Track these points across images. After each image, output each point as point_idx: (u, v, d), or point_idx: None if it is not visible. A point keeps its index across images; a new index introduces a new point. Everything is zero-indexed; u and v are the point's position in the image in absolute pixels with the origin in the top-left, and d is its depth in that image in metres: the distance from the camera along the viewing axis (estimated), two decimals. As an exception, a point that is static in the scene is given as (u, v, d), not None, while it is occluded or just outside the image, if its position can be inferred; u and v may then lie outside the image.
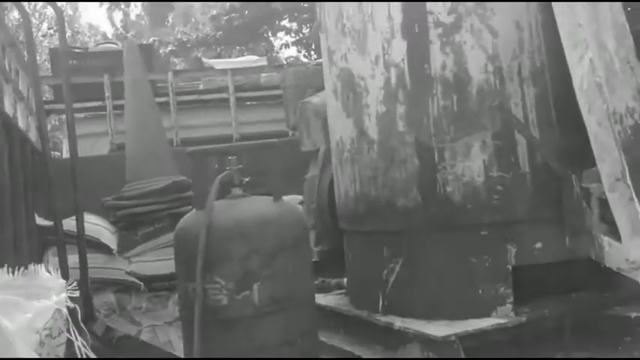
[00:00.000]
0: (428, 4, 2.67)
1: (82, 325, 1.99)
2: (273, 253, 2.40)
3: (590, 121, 2.37)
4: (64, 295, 1.88)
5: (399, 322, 2.59)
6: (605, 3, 2.37)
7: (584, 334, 2.69)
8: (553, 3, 2.48)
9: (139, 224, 4.98)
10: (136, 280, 4.69)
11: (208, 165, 2.92)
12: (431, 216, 2.64)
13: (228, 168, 2.61)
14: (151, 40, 15.66)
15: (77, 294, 1.94)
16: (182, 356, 2.66)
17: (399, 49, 2.73)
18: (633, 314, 2.43)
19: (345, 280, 3.55)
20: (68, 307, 1.86)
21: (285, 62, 10.72)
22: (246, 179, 2.62)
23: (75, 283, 2.00)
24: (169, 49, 18.36)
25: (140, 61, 5.85)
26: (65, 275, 3.51)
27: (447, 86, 2.64)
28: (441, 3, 2.66)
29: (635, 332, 2.70)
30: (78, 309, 1.92)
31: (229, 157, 2.65)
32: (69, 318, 1.86)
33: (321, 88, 4.69)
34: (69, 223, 4.14)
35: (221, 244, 2.38)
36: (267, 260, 2.38)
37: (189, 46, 17.90)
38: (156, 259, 4.80)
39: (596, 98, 2.35)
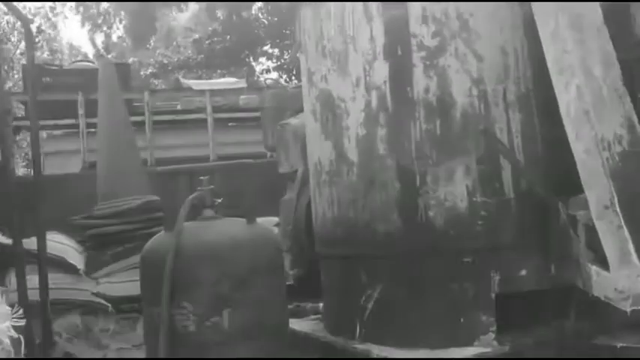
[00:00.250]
0: (412, 26, 2.63)
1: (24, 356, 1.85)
2: (246, 277, 2.31)
3: (578, 148, 2.33)
4: (6, 324, 1.74)
5: (376, 351, 2.50)
6: (592, 28, 2.35)
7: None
8: (539, 28, 2.46)
9: (108, 244, 4.84)
10: (104, 302, 4.51)
11: (180, 185, 2.84)
12: (412, 241, 2.56)
13: (199, 188, 2.53)
14: (131, 60, 15.59)
15: (23, 322, 1.80)
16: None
17: (381, 72, 2.68)
18: (619, 344, 2.37)
19: (321, 305, 3.45)
20: (11, 337, 1.72)
21: (264, 85, 10.72)
22: (219, 200, 2.54)
23: (21, 311, 1.86)
24: (149, 71, 18.29)
25: (116, 79, 5.76)
26: (23, 297, 3.35)
27: (430, 110, 2.58)
28: (425, 26, 2.62)
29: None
30: (22, 339, 1.78)
31: (201, 177, 2.57)
32: (12, 349, 1.72)
33: (300, 110, 4.63)
34: (34, 242, 3.98)
35: (190, 267, 2.28)
36: (238, 285, 2.29)
37: (169, 68, 17.87)
38: (125, 280, 4.64)
39: (583, 125, 2.31)
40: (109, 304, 4.52)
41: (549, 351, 2.52)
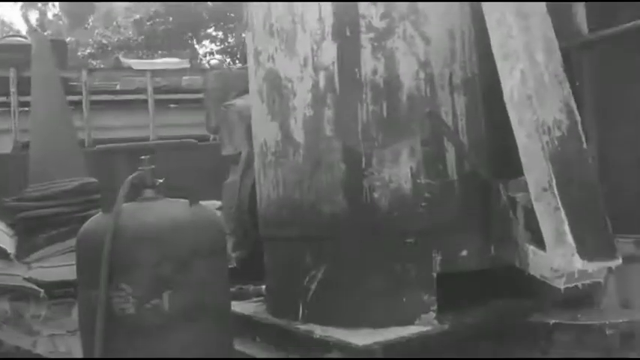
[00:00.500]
0: (361, 7, 2.62)
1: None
2: (187, 259, 2.25)
3: (520, 132, 2.38)
4: None
5: (319, 331, 2.50)
6: (536, 16, 2.41)
7: (504, 340, 2.70)
8: (486, 14, 2.50)
9: (41, 227, 4.66)
10: (35, 287, 4.34)
11: (119, 164, 2.74)
12: (356, 222, 2.57)
13: (140, 168, 2.45)
14: (68, 40, 15.00)
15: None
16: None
17: (329, 52, 2.66)
18: (552, 321, 2.46)
19: (264, 287, 3.43)
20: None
21: (208, 66, 10.52)
22: (160, 180, 2.47)
23: None
24: (88, 51, 17.65)
25: (51, 55, 5.53)
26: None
27: (377, 92, 2.59)
28: (373, 7, 2.61)
29: (549, 337, 2.75)
30: None
31: (142, 157, 2.49)
32: None
33: (244, 91, 4.57)
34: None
35: (129, 248, 2.21)
36: (179, 267, 2.23)
37: (109, 48, 17.30)
38: (59, 265, 4.48)
39: (526, 110, 2.37)
40: (41, 290, 4.36)
41: (486, 329, 2.59)
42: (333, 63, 2.65)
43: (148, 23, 17.03)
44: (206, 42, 18.38)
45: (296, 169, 2.74)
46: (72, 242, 4.63)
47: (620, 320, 2.51)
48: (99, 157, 4.70)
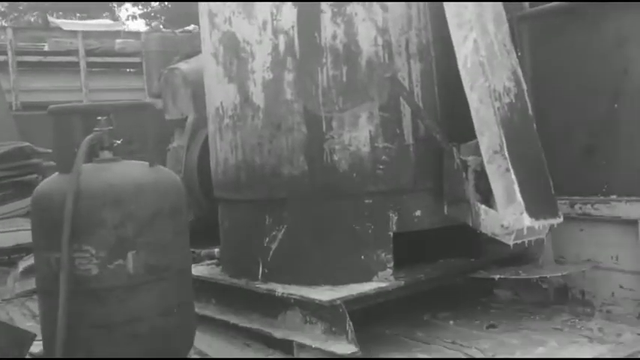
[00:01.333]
0: (321, -27, 2.65)
1: None
2: (150, 220, 2.25)
3: (472, 98, 2.52)
4: None
5: (280, 289, 2.57)
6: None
7: (452, 295, 2.89)
8: (441, -17, 2.59)
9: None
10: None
11: (72, 126, 2.66)
12: (317, 184, 2.64)
13: (96, 129, 2.41)
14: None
15: None
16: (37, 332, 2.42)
17: (288, 16, 2.69)
18: (496, 276, 2.63)
19: (216, 250, 3.46)
20: None
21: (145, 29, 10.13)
22: (118, 142, 2.43)
23: None
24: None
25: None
26: None
27: (336, 56, 2.65)
28: (333, -27, 2.65)
29: (491, 293, 2.97)
30: None
31: (98, 118, 2.44)
32: None
33: (189, 54, 4.52)
34: None
35: (92, 210, 2.18)
36: (142, 228, 2.23)
37: (20, 8, 16.27)
38: (-6, 232, 4.31)
39: (478, 76, 2.50)
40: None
41: (438, 285, 2.75)
42: (293, 27, 2.68)
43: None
44: (128, 5, 17.61)
45: (255, 133, 2.77)
46: (7, 208, 4.51)
47: (557, 274, 2.72)
48: (42, 120, 4.51)
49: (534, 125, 2.61)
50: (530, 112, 2.61)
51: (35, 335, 2.41)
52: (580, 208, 2.74)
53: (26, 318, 3.32)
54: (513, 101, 2.54)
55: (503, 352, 2.25)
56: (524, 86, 2.64)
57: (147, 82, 4.86)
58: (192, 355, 2.47)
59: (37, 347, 2.43)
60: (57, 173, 2.41)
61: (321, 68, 2.65)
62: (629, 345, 2.22)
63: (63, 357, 2.11)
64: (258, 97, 2.76)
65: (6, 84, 5.76)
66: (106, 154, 2.40)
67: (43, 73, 7.18)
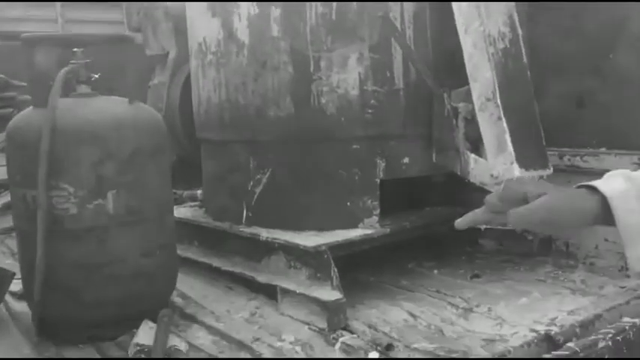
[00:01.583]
0: None
1: None
2: (130, 158, 2.18)
3: (466, 42, 2.42)
4: None
5: (265, 233, 2.53)
6: None
7: (437, 244, 2.88)
8: None
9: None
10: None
11: (47, 57, 2.53)
12: (303, 127, 2.56)
13: (72, 62, 2.29)
14: None
15: None
16: (16, 271, 2.37)
17: (275, -53, 2.54)
18: (483, 226, 2.62)
19: (199, 192, 3.40)
20: None
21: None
22: (95, 76, 2.32)
23: None
24: None
25: None
26: None
27: (326, -8, 2.52)
28: None
29: (476, 243, 2.96)
30: None
31: (74, 50, 2.32)
32: None
33: (171, -14, 4.30)
34: None
35: (69, 146, 2.09)
36: (122, 166, 2.15)
37: None
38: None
39: (473, 20, 2.40)
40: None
41: (423, 233, 2.73)
42: (280, -41, 2.54)
43: None
44: None
45: (240, 71, 2.65)
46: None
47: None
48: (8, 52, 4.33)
49: (528, 73, 2.53)
50: (524, 59, 2.53)
51: (14, 274, 2.37)
52: (569, 159, 2.71)
53: (5, 256, 3.26)
54: (508, 47, 2.45)
55: (486, 302, 2.25)
56: (520, 31, 2.54)
57: (126, 16, 4.63)
58: (174, 297, 2.45)
59: (17, 285, 2.40)
60: (31, 107, 2.31)
61: (309, 5, 2.52)
62: (612, 297, 2.23)
63: (41, 297, 2.08)
64: (242, 32, 2.63)
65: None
66: (83, 89, 2.30)
67: (17, 3, 6.85)
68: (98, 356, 2.05)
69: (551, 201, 1.11)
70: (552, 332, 1.94)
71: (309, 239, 2.39)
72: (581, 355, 1.82)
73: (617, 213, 1.09)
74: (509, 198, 1.16)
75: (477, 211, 1.24)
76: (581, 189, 1.13)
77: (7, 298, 2.42)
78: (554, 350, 1.88)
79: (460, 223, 1.25)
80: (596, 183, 1.13)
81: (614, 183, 1.12)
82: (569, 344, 1.88)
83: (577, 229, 1.08)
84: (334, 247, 2.33)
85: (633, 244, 1.10)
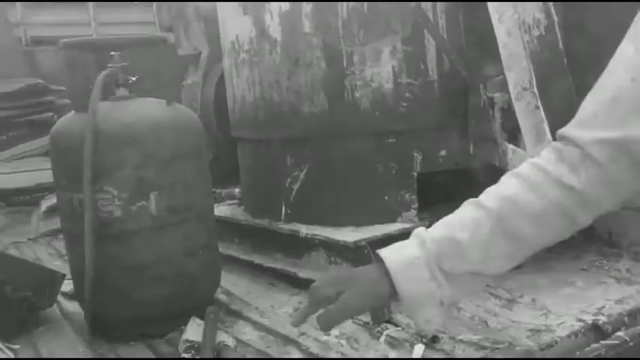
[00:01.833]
0: None
1: None
2: (170, 160, 2.22)
3: (500, 30, 2.39)
4: None
5: (304, 230, 2.55)
6: None
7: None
8: None
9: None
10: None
11: (85, 61, 2.58)
12: (338, 122, 2.57)
13: (110, 65, 2.33)
14: None
15: None
16: (66, 272, 2.44)
17: (305, -58, 2.54)
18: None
19: (237, 190, 3.44)
20: None
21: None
22: (133, 78, 2.36)
23: None
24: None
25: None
26: None
27: (357, -14, 2.51)
28: None
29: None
30: None
31: (112, 53, 2.36)
32: None
33: (202, -15, 4.33)
34: None
35: (111, 149, 2.14)
36: (163, 168, 2.20)
37: None
38: (12, 171, 4.32)
39: (507, 7, 2.36)
40: (-4, 198, 4.23)
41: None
42: (311, -46, 2.54)
43: None
44: None
45: (273, 68, 2.68)
46: (24, 147, 4.50)
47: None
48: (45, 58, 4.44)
49: (565, 60, 2.49)
50: (560, 45, 2.48)
51: (65, 275, 2.45)
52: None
53: (53, 257, 3.35)
54: (543, 34, 2.41)
55: (530, 293, 2.23)
56: (555, 17, 2.49)
57: (157, 16, 4.69)
58: (219, 294, 2.49)
59: (67, 286, 2.47)
60: (72, 112, 2.37)
61: (341, -1, 2.52)
62: (658, 285, 2.19)
63: (92, 298, 2.14)
64: (275, 30, 2.65)
65: (13, 17, 5.60)
66: (122, 92, 2.34)
67: (49, 6, 6.97)
68: (150, 352, 2.10)
69: (347, 299, 1.25)
70: (600, 322, 1.92)
71: (348, 235, 2.41)
72: (631, 344, 1.80)
73: (399, 286, 1.21)
74: (317, 300, 1.29)
75: (305, 307, 1.35)
76: (376, 266, 1.27)
77: (60, 298, 2.49)
78: (603, 340, 1.85)
79: (295, 322, 1.38)
80: (386, 254, 1.25)
81: (406, 251, 1.25)
82: (618, 333, 1.85)
83: None
84: (374, 242, 2.34)
85: (417, 310, 1.22)
